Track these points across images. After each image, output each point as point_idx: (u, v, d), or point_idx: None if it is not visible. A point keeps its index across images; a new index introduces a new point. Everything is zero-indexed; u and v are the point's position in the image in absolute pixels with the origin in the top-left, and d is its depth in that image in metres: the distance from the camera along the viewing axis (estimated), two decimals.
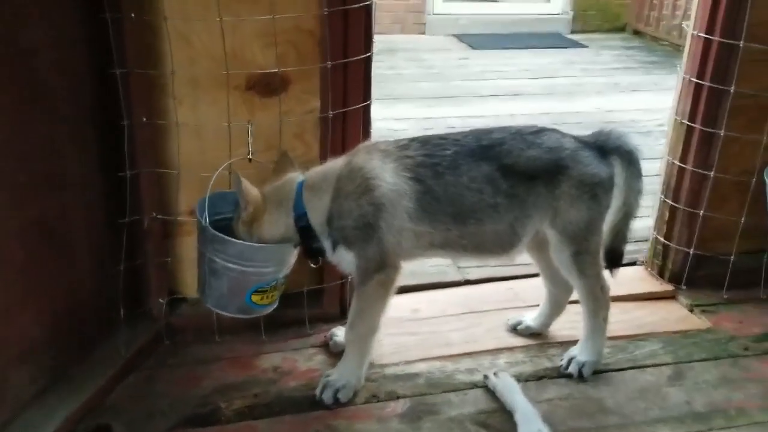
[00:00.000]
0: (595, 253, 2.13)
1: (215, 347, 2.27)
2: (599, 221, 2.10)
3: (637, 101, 5.32)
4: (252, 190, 1.96)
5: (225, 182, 2.11)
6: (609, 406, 2.08)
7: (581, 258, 2.10)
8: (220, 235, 1.95)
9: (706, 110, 2.51)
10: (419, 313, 2.54)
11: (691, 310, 2.57)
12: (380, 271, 2.01)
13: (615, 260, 2.24)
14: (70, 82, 1.94)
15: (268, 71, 2.10)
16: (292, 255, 2.01)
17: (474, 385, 2.14)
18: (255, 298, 2.02)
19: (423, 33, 7.68)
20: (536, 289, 2.60)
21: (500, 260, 2.22)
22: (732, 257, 2.57)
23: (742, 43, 2.38)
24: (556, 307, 2.38)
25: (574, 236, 2.07)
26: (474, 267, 2.83)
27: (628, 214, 2.17)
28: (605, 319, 2.20)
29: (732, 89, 2.43)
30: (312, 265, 2.14)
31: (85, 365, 2.06)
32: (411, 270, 2.77)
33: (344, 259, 2.02)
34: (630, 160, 2.11)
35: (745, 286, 2.62)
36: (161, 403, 2.03)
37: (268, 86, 2.14)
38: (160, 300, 2.25)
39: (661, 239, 2.70)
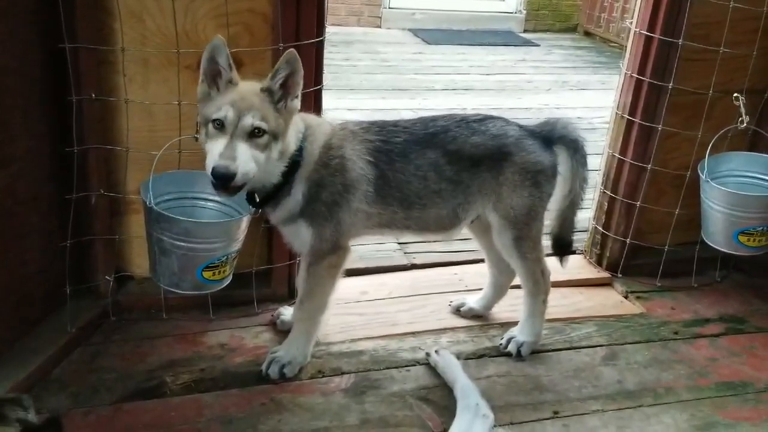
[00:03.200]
0: (536, 238, 2.19)
1: (162, 324, 2.27)
2: (540, 208, 2.16)
3: (584, 99, 5.49)
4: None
5: (173, 162, 2.11)
6: (545, 383, 2.16)
7: (522, 243, 2.16)
8: (165, 213, 1.95)
9: (646, 105, 2.61)
10: (367, 295, 2.59)
11: (626, 297, 2.69)
12: (332, 253, 2.05)
13: (563, 248, 2.31)
14: (18, 56, 1.91)
15: None
16: (241, 230, 2.03)
17: (416, 363, 2.21)
18: (207, 274, 2.03)
19: (379, 26, 7.72)
20: (480, 275, 2.68)
21: (440, 238, 2.31)
22: (666, 248, 2.69)
23: (681, 41, 2.48)
24: (498, 290, 2.45)
25: (515, 221, 2.12)
26: (421, 252, 2.90)
27: (574, 202, 2.23)
28: (544, 302, 2.28)
29: (671, 85, 2.53)
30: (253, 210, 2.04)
31: (30, 339, 2.05)
32: (360, 254, 2.84)
33: (300, 235, 2.03)
34: (575, 148, 2.17)
35: (678, 275, 2.75)
36: (107, 377, 2.03)
37: None
38: (107, 277, 2.25)
39: (600, 229, 2.81)
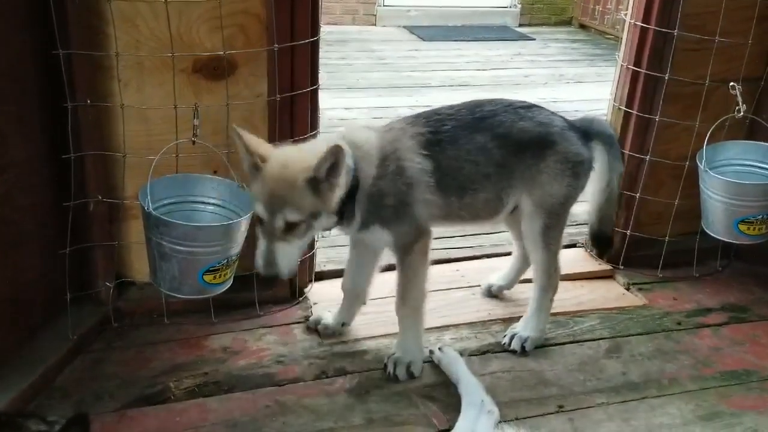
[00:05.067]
0: (562, 230, 2.24)
1: (164, 330, 2.27)
2: (573, 199, 2.21)
3: (581, 92, 5.48)
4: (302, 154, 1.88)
5: (171, 166, 2.11)
6: (549, 378, 2.16)
7: (549, 232, 2.19)
8: (164, 218, 1.95)
9: (643, 96, 2.61)
10: (369, 295, 2.57)
11: (628, 288, 2.68)
12: (418, 241, 2.07)
13: (604, 243, 2.38)
14: (12, 62, 1.90)
15: (214, 54, 2.11)
16: (241, 232, 2.03)
17: None
18: (207, 277, 2.03)
19: (374, 24, 7.72)
20: (481, 271, 2.71)
21: (484, 225, 2.38)
22: (667, 239, 2.69)
23: (676, 32, 2.48)
24: (523, 265, 2.50)
25: (549, 209, 2.16)
26: None
27: (611, 195, 2.29)
28: (551, 300, 2.30)
29: (667, 76, 2.53)
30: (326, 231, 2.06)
31: (31, 348, 2.04)
32: None
33: (377, 237, 2.06)
34: (611, 143, 2.23)
35: (679, 265, 2.75)
36: (109, 384, 2.03)
37: (215, 69, 2.15)
38: (107, 283, 2.24)
39: None
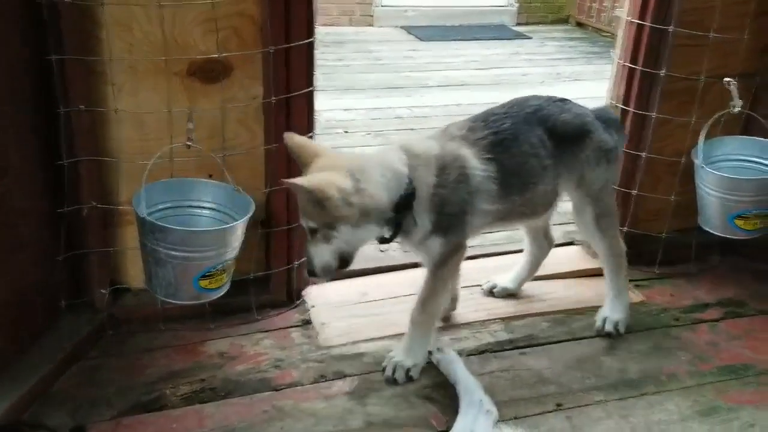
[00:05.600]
0: (613, 215, 2.33)
1: (161, 336, 2.26)
2: (612, 184, 2.32)
3: (579, 90, 5.43)
4: (321, 177, 1.83)
5: (166, 170, 2.11)
6: (547, 376, 2.15)
7: (602, 220, 2.27)
8: (159, 224, 1.95)
9: (639, 94, 2.60)
10: (367, 296, 2.57)
11: None
12: (456, 253, 2.08)
13: None
14: (5, 68, 1.90)
15: (209, 57, 2.11)
16: (237, 236, 2.02)
17: None
18: (203, 283, 2.03)
19: (371, 25, 7.71)
20: (478, 271, 2.69)
21: (539, 220, 2.38)
22: (664, 235, 2.68)
23: (672, 28, 2.47)
24: (534, 266, 2.54)
25: (596, 197, 2.24)
26: None
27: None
28: (626, 277, 2.38)
29: (663, 73, 2.53)
30: (384, 243, 2.07)
31: (27, 356, 2.03)
32: (361, 254, 2.82)
33: (432, 248, 2.03)
34: (621, 129, 2.37)
35: (677, 262, 2.75)
36: (106, 391, 2.02)
37: (210, 72, 2.14)
38: (102, 290, 2.23)
39: None
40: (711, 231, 2.53)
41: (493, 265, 2.76)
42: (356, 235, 1.92)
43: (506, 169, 2.06)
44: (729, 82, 2.50)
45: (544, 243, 2.51)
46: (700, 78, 2.53)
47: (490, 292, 2.57)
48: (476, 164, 2.01)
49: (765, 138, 2.56)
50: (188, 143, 2.08)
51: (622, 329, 2.34)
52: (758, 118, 2.59)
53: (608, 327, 2.34)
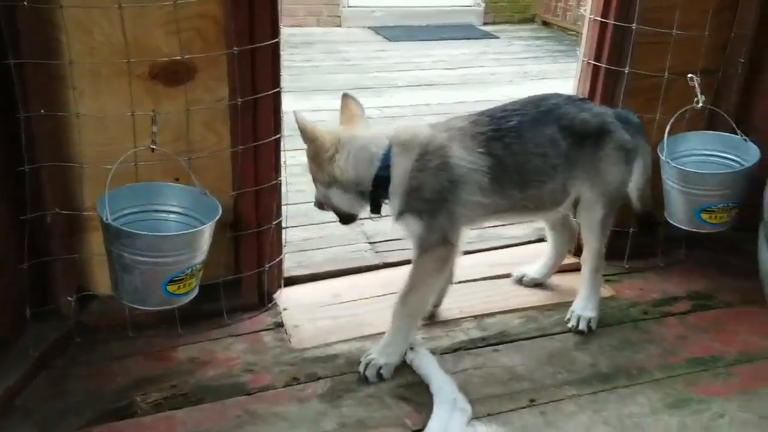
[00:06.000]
0: (613, 216, 2.35)
1: (130, 342, 2.22)
2: (626, 186, 2.34)
3: (546, 88, 5.44)
4: (317, 131, 2.11)
5: (131, 175, 2.07)
6: (520, 372, 2.16)
7: (607, 220, 2.32)
8: (125, 229, 1.91)
9: (604, 91, 2.62)
10: (339, 298, 2.56)
11: None
12: (441, 246, 2.09)
13: (651, 223, 2.50)
14: None
15: (172, 59, 2.07)
16: (205, 240, 2.00)
17: None
18: (171, 288, 1.99)
19: (339, 26, 7.69)
20: None
21: (549, 215, 2.43)
22: (632, 230, 2.71)
23: (635, 26, 2.50)
24: (559, 257, 2.60)
25: (609, 197, 2.27)
26: (392, 250, 2.88)
27: (648, 177, 2.40)
28: (601, 278, 2.45)
29: (627, 70, 2.56)
30: (372, 214, 2.18)
31: None
32: (332, 256, 2.83)
33: (410, 227, 2.10)
34: (641, 129, 2.35)
35: (645, 256, 2.79)
36: (74, 400, 1.98)
37: (173, 74, 2.11)
38: (69, 298, 2.19)
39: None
40: (678, 225, 2.56)
41: (469, 263, 2.77)
42: (337, 197, 2.13)
43: (504, 164, 2.09)
44: (692, 78, 2.54)
45: (564, 232, 2.55)
46: (663, 75, 2.57)
47: (519, 281, 2.64)
48: (462, 155, 2.06)
49: (728, 132, 2.60)
50: (153, 147, 2.04)
51: (594, 326, 2.37)
52: (721, 113, 2.63)
53: (581, 325, 2.36)
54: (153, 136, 2.05)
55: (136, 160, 2.06)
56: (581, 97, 2.32)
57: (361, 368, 2.12)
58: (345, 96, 2.27)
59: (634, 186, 2.39)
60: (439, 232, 2.08)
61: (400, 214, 2.09)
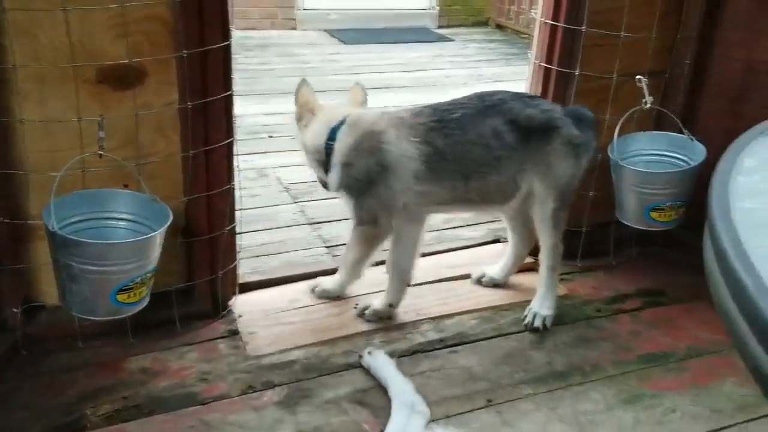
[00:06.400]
0: (567, 210, 2.40)
1: (80, 354, 2.16)
2: (577, 180, 2.38)
3: None
4: (305, 97, 2.41)
5: (78, 182, 2.01)
6: (477, 373, 2.18)
7: (559, 214, 2.36)
8: (72, 237, 1.85)
9: (556, 93, 2.66)
10: (296, 303, 2.54)
11: None
12: (370, 225, 2.30)
13: None
14: None
15: (120, 63, 2.03)
16: (155, 247, 1.95)
17: (349, 366, 2.18)
18: (121, 297, 1.94)
19: (294, 28, 7.66)
20: None
21: (500, 210, 2.52)
22: (584, 229, 2.76)
23: (584, 29, 2.54)
24: (518, 260, 2.64)
25: (560, 191, 2.32)
26: None
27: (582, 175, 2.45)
28: (558, 276, 2.49)
29: (577, 72, 2.60)
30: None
31: None
32: (289, 261, 2.80)
33: (343, 200, 2.34)
34: (594, 125, 2.41)
35: (598, 255, 2.83)
36: (21, 416, 1.91)
37: (121, 79, 2.06)
38: (14, 309, 2.11)
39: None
40: (628, 224, 2.61)
41: (424, 265, 2.78)
42: (308, 162, 2.43)
43: (442, 154, 2.19)
44: (640, 79, 2.59)
45: (524, 233, 2.56)
46: (612, 76, 2.62)
47: (479, 281, 2.67)
48: (396, 142, 2.20)
49: (675, 132, 2.67)
50: (100, 153, 1.99)
51: (549, 324, 2.40)
52: (668, 113, 2.69)
53: (537, 323, 2.40)
54: (100, 142, 1.99)
55: (83, 167, 2.01)
56: (530, 94, 2.37)
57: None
58: (355, 85, 2.57)
59: None
60: (368, 212, 2.27)
61: (337, 188, 2.30)
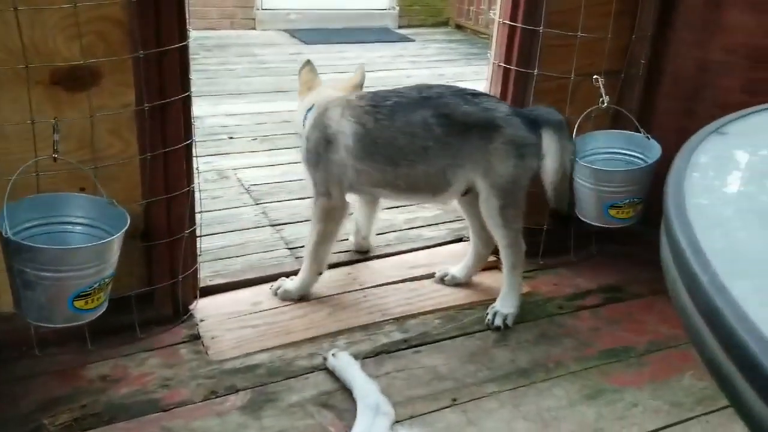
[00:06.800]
0: (519, 208, 2.39)
1: (36, 362, 2.10)
2: (524, 180, 2.36)
3: None
4: (304, 77, 2.65)
5: (32, 186, 1.96)
6: (442, 372, 2.18)
7: (506, 211, 2.35)
8: (26, 243, 1.80)
9: (515, 92, 2.69)
10: (259, 306, 2.51)
11: None
12: (325, 199, 2.42)
13: (561, 219, 2.56)
14: None
15: (74, 64, 1.98)
16: (113, 252, 1.91)
17: (314, 369, 2.17)
18: (78, 303, 1.90)
19: (253, 28, 7.58)
20: (375, 272, 2.72)
21: (435, 203, 2.64)
22: (545, 227, 2.79)
23: (541, 29, 2.58)
24: (479, 260, 2.65)
25: (502, 189, 2.32)
26: None
27: (564, 175, 2.41)
28: (521, 275, 2.49)
29: (536, 72, 2.63)
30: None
31: None
32: (250, 264, 2.77)
33: (306, 176, 2.49)
34: (559, 127, 2.36)
35: (559, 252, 2.87)
36: None
37: (76, 80, 2.01)
38: None
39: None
40: (588, 221, 2.65)
41: (386, 265, 2.79)
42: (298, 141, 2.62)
43: (371, 136, 2.32)
44: (597, 79, 2.64)
45: (483, 235, 2.56)
46: (570, 76, 2.65)
47: (442, 280, 2.68)
48: (337, 120, 2.36)
49: (631, 131, 2.72)
50: (55, 156, 1.94)
51: (510, 322, 2.42)
52: (624, 112, 2.74)
53: (497, 321, 2.41)
54: (55, 145, 1.95)
55: (37, 170, 1.95)
56: (477, 91, 2.39)
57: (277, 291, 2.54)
58: (359, 66, 2.75)
59: (547, 181, 2.44)
60: (321, 184, 2.41)
61: (302, 161, 2.48)
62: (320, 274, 2.55)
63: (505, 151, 2.28)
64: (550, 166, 2.39)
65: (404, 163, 2.31)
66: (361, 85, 2.63)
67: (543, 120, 2.37)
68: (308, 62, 2.67)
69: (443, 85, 2.41)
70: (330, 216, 2.44)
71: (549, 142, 2.36)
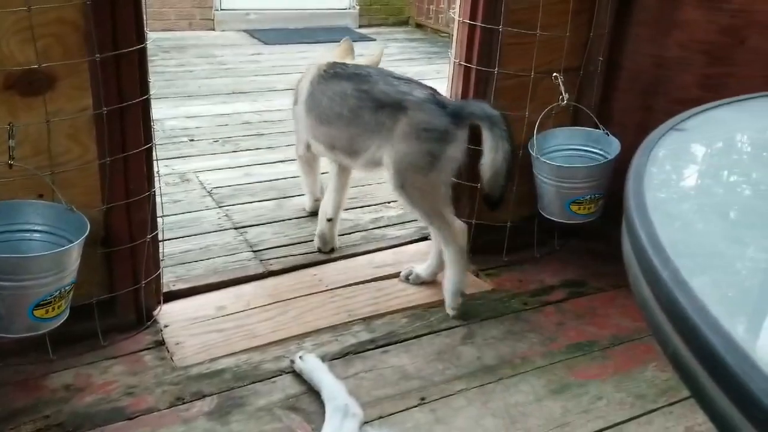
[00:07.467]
0: (424, 191, 2.43)
1: None
2: (425, 164, 2.39)
3: None
4: (342, 47, 2.96)
5: None
6: (410, 371, 2.19)
7: (408, 191, 2.43)
8: None
9: (476, 91, 2.71)
10: (224, 310, 2.48)
11: (477, 275, 2.78)
12: (300, 145, 2.93)
13: (491, 204, 2.56)
14: None
15: (29, 68, 1.93)
16: (73, 259, 1.87)
17: (281, 372, 2.15)
18: (39, 312, 1.86)
19: (212, 29, 7.49)
20: (339, 273, 2.71)
21: (359, 169, 2.73)
22: (509, 224, 2.82)
23: (501, 28, 2.60)
24: (441, 258, 2.61)
25: (398, 168, 2.41)
26: (277, 258, 2.83)
27: (497, 172, 2.43)
28: (459, 252, 2.47)
29: (496, 70, 2.66)
30: None
31: None
32: (213, 267, 2.74)
33: None
34: (492, 123, 2.38)
35: (522, 248, 2.90)
36: None
37: (31, 84, 1.96)
38: None
39: None
40: (550, 217, 2.69)
41: (351, 266, 2.79)
42: None
43: (314, 96, 2.66)
44: (556, 76, 2.68)
45: None
46: (530, 74, 2.69)
47: (407, 279, 2.70)
48: (303, 83, 2.76)
49: (591, 127, 2.77)
50: (11, 162, 1.90)
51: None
52: (584, 108, 2.79)
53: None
54: (10, 151, 1.90)
55: None
56: (406, 78, 2.53)
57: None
58: (345, 39, 3.02)
59: (484, 171, 2.46)
60: (297, 136, 2.94)
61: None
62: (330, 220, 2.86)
63: (406, 133, 2.38)
64: (484, 161, 2.44)
65: (326, 122, 2.62)
66: (349, 55, 2.92)
67: (466, 113, 2.40)
68: (347, 39, 2.99)
69: (380, 69, 2.63)
70: (304, 162, 3.02)
71: (484, 138, 2.41)
